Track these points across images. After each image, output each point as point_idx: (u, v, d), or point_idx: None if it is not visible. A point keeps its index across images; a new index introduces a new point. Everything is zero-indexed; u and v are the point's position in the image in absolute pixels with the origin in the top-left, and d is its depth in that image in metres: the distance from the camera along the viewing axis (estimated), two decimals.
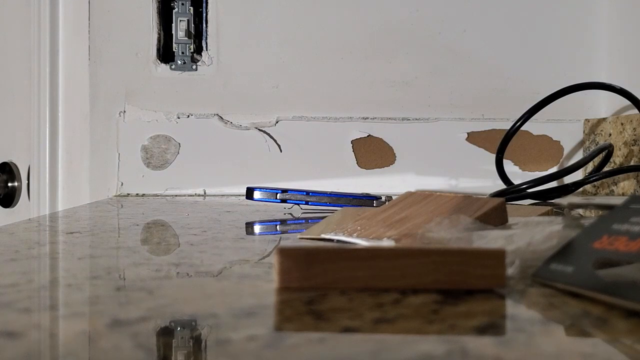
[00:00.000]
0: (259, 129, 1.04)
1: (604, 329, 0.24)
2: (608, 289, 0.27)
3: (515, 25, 1.07)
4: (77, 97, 1.03)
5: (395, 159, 1.06)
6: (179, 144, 1.03)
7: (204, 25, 1.04)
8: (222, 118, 1.04)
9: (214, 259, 0.40)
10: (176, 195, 1.01)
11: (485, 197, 0.47)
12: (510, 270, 0.33)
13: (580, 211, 0.73)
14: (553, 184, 0.86)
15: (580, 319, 0.25)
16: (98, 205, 0.84)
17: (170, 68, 1.03)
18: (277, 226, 0.62)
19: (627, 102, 0.91)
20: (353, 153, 1.05)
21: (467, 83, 1.06)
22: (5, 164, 1.03)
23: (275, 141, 1.04)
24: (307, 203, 0.73)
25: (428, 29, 1.06)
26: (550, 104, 0.87)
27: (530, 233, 0.35)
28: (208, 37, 1.04)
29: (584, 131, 1.07)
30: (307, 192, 0.73)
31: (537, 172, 1.06)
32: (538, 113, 0.87)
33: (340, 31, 1.05)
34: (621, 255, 0.29)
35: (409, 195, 0.49)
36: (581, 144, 1.07)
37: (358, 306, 0.27)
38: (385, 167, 1.06)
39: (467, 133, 1.06)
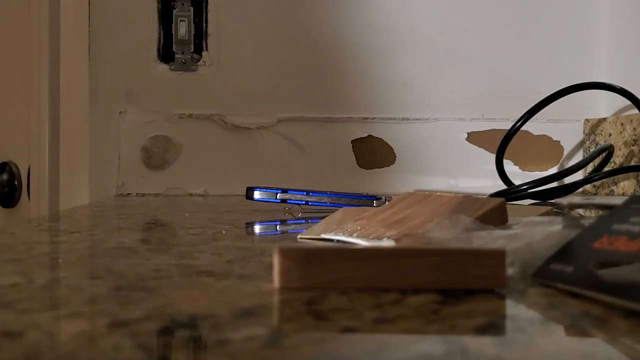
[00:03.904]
0: (259, 129, 1.04)
1: (604, 329, 0.24)
2: (608, 289, 0.27)
3: (515, 25, 1.07)
4: (77, 97, 1.03)
5: (395, 159, 1.06)
6: (179, 144, 1.03)
7: (204, 25, 1.04)
8: (222, 118, 1.04)
9: (214, 259, 0.40)
10: (176, 195, 1.01)
11: (485, 197, 0.47)
12: (510, 270, 0.33)
13: (580, 211, 0.73)
14: (553, 184, 0.86)
15: (580, 319, 0.25)
16: (98, 205, 0.84)
17: (170, 68, 1.03)
18: (277, 226, 0.62)
19: (627, 102, 0.91)
20: (353, 153, 1.05)
21: (467, 83, 1.06)
22: (5, 164, 1.03)
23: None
24: (307, 203, 0.73)
25: (428, 29, 1.06)
26: (550, 104, 0.87)
27: (530, 233, 0.35)
28: (208, 37, 1.04)
29: (584, 131, 1.07)
30: (307, 192, 0.73)
31: (537, 172, 1.06)
32: (538, 113, 0.87)
33: (340, 31, 1.05)
34: (621, 255, 0.29)
35: (409, 195, 0.49)
36: (581, 144, 1.07)
37: (358, 306, 0.27)
38: (385, 167, 1.06)
39: (467, 133, 1.06)
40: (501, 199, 0.44)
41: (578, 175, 0.98)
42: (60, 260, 0.40)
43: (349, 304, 0.27)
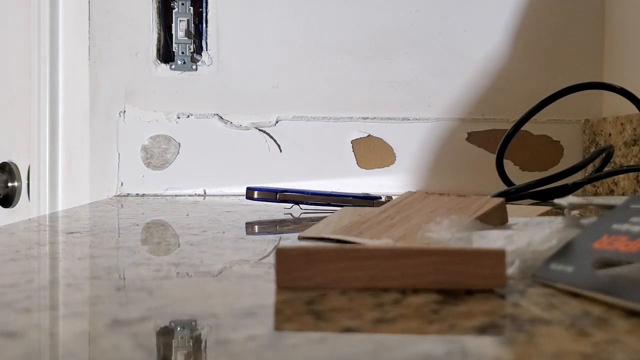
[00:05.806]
0: (259, 129, 1.04)
1: (604, 329, 0.24)
2: (608, 289, 0.27)
3: (515, 25, 1.07)
4: (77, 97, 1.03)
5: (395, 159, 1.06)
6: (179, 144, 1.03)
7: (204, 25, 1.04)
8: (222, 118, 1.04)
9: (214, 259, 0.40)
10: (176, 195, 1.01)
11: (485, 197, 0.47)
12: (510, 270, 0.33)
13: (580, 211, 0.73)
14: (553, 184, 0.86)
15: (580, 319, 0.25)
16: (98, 205, 0.84)
17: (170, 68, 1.03)
18: (277, 226, 0.62)
19: (627, 102, 0.91)
20: (353, 153, 1.05)
21: (467, 83, 1.06)
22: (5, 164, 1.03)
23: (275, 141, 1.04)
24: (307, 203, 0.73)
25: (428, 29, 1.06)
26: (550, 104, 0.87)
27: (530, 233, 0.35)
28: (208, 37, 1.04)
29: (584, 131, 1.07)
30: (307, 192, 0.73)
31: (537, 172, 1.06)
32: (538, 113, 0.87)
33: (340, 31, 1.05)
34: (621, 255, 0.29)
35: (409, 195, 0.49)
36: (581, 144, 1.07)
37: (358, 306, 0.27)
38: (385, 167, 1.06)
39: (467, 133, 1.06)
40: (501, 199, 0.44)
41: (578, 175, 0.98)
42: (60, 260, 0.40)
43: (349, 304, 0.27)
